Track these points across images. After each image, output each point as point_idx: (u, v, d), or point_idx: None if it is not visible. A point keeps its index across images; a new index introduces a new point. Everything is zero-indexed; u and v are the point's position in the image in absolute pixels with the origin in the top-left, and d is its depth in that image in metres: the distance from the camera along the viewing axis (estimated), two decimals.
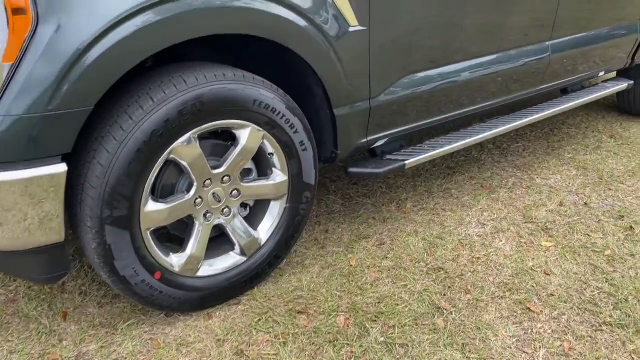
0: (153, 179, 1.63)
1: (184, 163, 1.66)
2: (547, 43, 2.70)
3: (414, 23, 2.06)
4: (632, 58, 3.27)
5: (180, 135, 1.61)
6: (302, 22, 1.72)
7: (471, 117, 2.63)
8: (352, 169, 2.16)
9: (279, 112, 1.78)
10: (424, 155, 2.31)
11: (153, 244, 1.70)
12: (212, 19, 1.57)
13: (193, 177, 1.71)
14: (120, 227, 1.57)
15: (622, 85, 3.26)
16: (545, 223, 2.48)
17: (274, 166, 1.89)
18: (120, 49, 1.43)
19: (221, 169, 1.76)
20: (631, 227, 2.44)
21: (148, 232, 1.67)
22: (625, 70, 3.40)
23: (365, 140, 2.14)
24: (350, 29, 1.86)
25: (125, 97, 1.56)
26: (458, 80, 2.35)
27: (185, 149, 1.64)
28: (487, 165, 3.08)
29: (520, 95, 2.73)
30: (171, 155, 1.63)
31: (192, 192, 1.73)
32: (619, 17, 3.05)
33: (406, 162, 2.24)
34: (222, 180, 1.78)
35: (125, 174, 1.53)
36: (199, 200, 1.75)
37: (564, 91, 3.17)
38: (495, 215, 2.55)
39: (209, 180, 1.75)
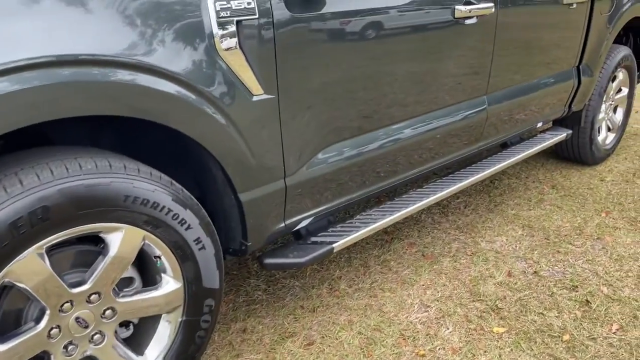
0: None
1: (27, 287, 1.23)
2: (484, 97, 2.47)
3: (335, 83, 1.74)
4: (569, 106, 3.13)
5: (17, 254, 1.18)
6: (189, 96, 1.35)
7: (408, 183, 2.33)
8: (268, 260, 1.78)
9: (163, 207, 1.38)
10: (355, 235, 1.97)
11: None
12: (64, 99, 1.18)
13: (44, 303, 1.27)
14: None
15: (562, 135, 3.10)
16: (495, 301, 2.18)
17: (164, 272, 1.48)
18: None
19: (86, 287, 1.33)
20: (587, 301, 2.19)
21: None
22: (562, 120, 3.25)
23: (283, 225, 1.77)
24: (255, 98, 1.50)
25: None
26: (394, 142, 2.05)
27: (27, 269, 1.21)
28: (428, 228, 2.79)
29: (461, 154, 2.47)
30: (6, 279, 1.19)
31: (43, 322, 1.28)
32: (555, 65, 2.89)
33: (334, 245, 1.89)
34: (89, 299, 1.35)
35: None
36: (55, 331, 1.31)
37: (504, 145, 2.96)
38: (439, 294, 2.23)
39: (69, 304, 1.32)
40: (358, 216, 2.09)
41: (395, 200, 2.23)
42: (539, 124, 3.02)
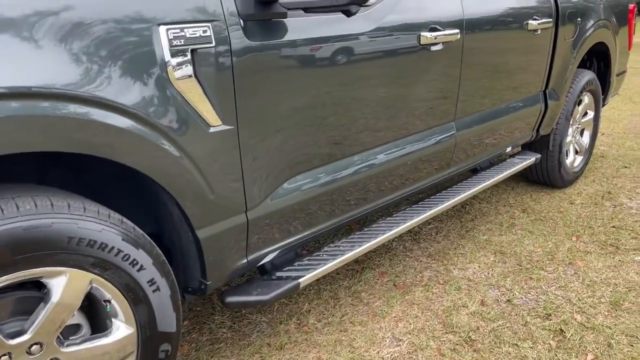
0: None
1: None
2: (452, 122, 2.45)
3: (296, 112, 1.68)
4: (537, 131, 3.14)
5: None
6: (141, 129, 1.27)
7: (379, 210, 2.27)
8: (231, 299, 1.69)
9: (112, 248, 1.29)
10: (323, 268, 1.89)
11: None
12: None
13: None
14: None
15: (531, 159, 3.11)
16: (469, 332, 2.12)
17: (114, 317, 1.38)
18: None
19: (26, 337, 1.22)
20: (561, 330, 2.14)
21: None
22: (531, 144, 3.27)
23: (245, 261, 1.69)
24: (212, 130, 1.43)
25: None
26: (364, 170, 2.00)
27: None
28: (399, 256, 2.73)
29: (431, 181, 2.44)
30: None
31: None
32: (522, 89, 2.91)
33: (301, 280, 1.81)
34: (30, 351, 1.24)
35: None
36: None
37: (475, 171, 2.94)
38: (412, 326, 2.16)
39: (7, 356, 1.20)
40: (326, 248, 2.01)
41: (364, 230, 2.17)
42: (508, 149, 3.02)
